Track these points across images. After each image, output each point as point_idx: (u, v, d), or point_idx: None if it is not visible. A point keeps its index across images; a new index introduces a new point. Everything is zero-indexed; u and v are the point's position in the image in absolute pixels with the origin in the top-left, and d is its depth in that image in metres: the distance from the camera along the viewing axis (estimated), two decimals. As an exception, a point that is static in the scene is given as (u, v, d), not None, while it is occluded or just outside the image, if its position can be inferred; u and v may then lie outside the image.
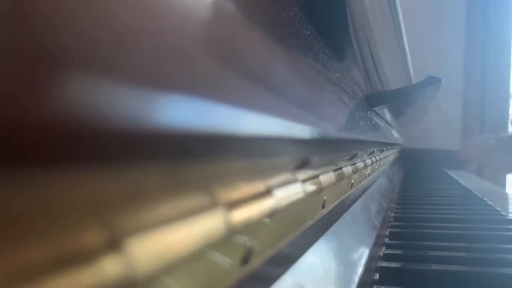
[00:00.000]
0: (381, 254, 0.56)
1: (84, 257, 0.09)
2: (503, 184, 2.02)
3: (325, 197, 0.34)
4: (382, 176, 0.98)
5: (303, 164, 0.25)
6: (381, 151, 0.76)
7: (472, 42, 2.21)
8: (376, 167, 0.75)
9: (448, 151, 2.15)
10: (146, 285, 0.11)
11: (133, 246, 0.10)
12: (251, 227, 0.17)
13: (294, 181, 0.24)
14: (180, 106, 0.11)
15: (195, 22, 0.14)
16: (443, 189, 1.29)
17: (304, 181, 0.25)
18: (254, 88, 0.17)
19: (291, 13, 0.31)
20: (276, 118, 0.18)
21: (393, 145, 1.02)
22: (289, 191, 0.23)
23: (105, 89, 0.08)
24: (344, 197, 0.44)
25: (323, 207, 0.34)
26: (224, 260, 0.17)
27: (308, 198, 0.26)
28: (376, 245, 0.54)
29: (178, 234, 0.12)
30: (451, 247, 0.58)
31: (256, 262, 0.20)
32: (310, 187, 0.27)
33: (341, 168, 0.38)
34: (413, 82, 0.88)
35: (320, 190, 0.29)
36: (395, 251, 0.57)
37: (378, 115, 0.74)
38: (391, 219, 0.79)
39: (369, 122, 0.53)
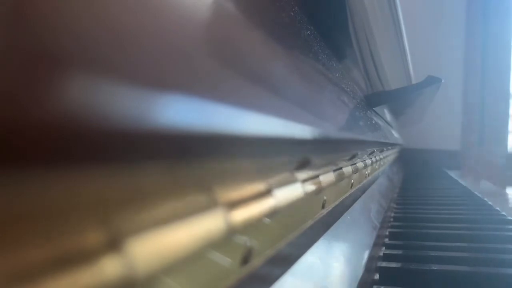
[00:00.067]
0: (381, 254, 0.56)
1: (84, 257, 0.09)
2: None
3: (325, 197, 0.34)
4: (382, 176, 0.98)
5: (303, 164, 0.25)
6: (381, 151, 0.76)
7: (472, 42, 2.21)
8: (376, 167, 0.75)
9: (448, 151, 2.15)
10: (146, 285, 0.11)
11: (133, 246, 0.10)
12: (251, 227, 0.17)
13: (294, 181, 0.24)
14: (180, 106, 0.11)
15: (195, 22, 0.14)
16: (443, 189, 1.29)
17: (304, 181, 0.25)
18: (254, 88, 0.17)
19: (291, 13, 0.31)
20: (276, 118, 0.18)
21: (393, 145, 1.02)
22: (289, 191, 0.23)
23: (105, 89, 0.08)
24: (344, 197, 0.44)
25: (323, 207, 0.34)
26: (224, 260, 0.17)
27: (308, 198, 0.26)
28: (376, 245, 0.54)
29: (178, 234, 0.12)
30: (451, 247, 0.58)
31: (256, 262, 0.20)
32: (310, 187, 0.27)
33: (341, 168, 0.38)
34: (413, 82, 0.88)
35: (320, 190, 0.29)
36: (395, 251, 0.57)
37: (378, 115, 0.74)
38: (391, 219, 0.79)
39: (369, 122, 0.53)
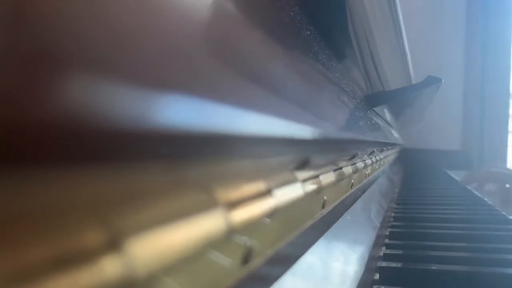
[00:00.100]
0: (381, 254, 0.56)
1: (84, 257, 0.09)
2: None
3: (325, 197, 0.34)
4: (382, 176, 0.98)
5: (303, 164, 0.25)
6: (381, 151, 0.76)
7: (472, 42, 2.21)
8: (376, 167, 0.75)
9: (448, 151, 2.15)
10: (146, 285, 0.11)
11: (133, 246, 0.10)
12: (251, 227, 0.17)
13: (294, 181, 0.24)
14: (180, 106, 0.11)
15: (195, 22, 0.14)
16: (443, 189, 1.29)
17: (304, 181, 0.25)
18: (254, 88, 0.17)
19: (291, 13, 0.31)
20: (276, 118, 0.18)
21: (393, 145, 1.02)
22: (289, 191, 0.23)
23: (105, 89, 0.08)
24: (344, 197, 0.44)
25: (323, 207, 0.34)
26: (224, 260, 0.17)
27: (308, 198, 0.26)
28: (376, 245, 0.54)
29: (178, 234, 0.12)
30: (451, 247, 0.58)
31: (256, 262, 0.20)
32: (310, 187, 0.27)
33: (341, 168, 0.38)
34: (413, 82, 0.88)
35: (320, 190, 0.29)
36: (395, 251, 0.57)
37: (378, 115, 0.74)
38: (391, 219, 0.79)
39: (369, 122, 0.53)
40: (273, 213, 0.20)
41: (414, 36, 1.25)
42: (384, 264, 0.51)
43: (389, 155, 1.07)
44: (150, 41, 0.10)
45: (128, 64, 0.09)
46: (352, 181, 0.49)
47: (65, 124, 0.07)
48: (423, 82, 0.80)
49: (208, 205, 0.14)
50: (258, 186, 0.19)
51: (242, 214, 0.16)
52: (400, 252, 0.57)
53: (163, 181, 0.12)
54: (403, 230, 0.70)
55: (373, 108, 0.68)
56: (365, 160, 0.56)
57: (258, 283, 0.21)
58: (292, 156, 0.23)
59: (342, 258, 0.38)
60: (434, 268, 0.49)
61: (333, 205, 0.38)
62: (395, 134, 1.19)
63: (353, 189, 0.50)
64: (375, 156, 0.68)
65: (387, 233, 0.67)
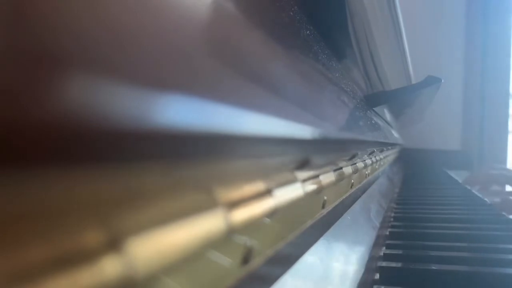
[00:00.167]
0: (382, 254, 0.55)
1: (84, 257, 0.09)
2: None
3: (325, 197, 0.34)
4: (382, 176, 0.98)
5: (303, 164, 0.25)
6: (381, 151, 0.76)
7: (472, 42, 2.21)
8: (376, 167, 0.75)
9: (448, 151, 2.15)
10: (146, 285, 0.11)
11: (133, 246, 0.10)
12: (251, 227, 0.17)
13: (294, 181, 0.24)
14: (180, 106, 0.11)
15: (195, 22, 0.14)
16: (443, 189, 1.29)
17: (304, 181, 0.25)
18: (254, 88, 0.17)
19: (291, 13, 0.31)
20: (276, 118, 0.18)
21: (393, 145, 1.02)
22: (289, 191, 0.23)
23: (105, 89, 0.08)
24: (344, 197, 0.44)
25: (323, 207, 0.34)
26: (224, 260, 0.17)
27: (308, 198, 0.26)
28: (376, 245, 0.54)
29: (178, 234, 0.12)
30: (451, 247, 0.58)
31: (256, 262, 0.20)
32: (310, 187, 0.27)
33: (341, 168, 0.38)
34: (413, 82, 0.88)
35: (320, 190, 0.29)
36: (395, 251, 0.57)
37: (378, 115, 0.74)
38: (391, 219, 0.79)
39: (369, 122, 0.53)
40: (273, 213, 0.20)
41: (414, 36, 1.25)
42: (384, 264, 0.51)
43: (389, 155, 1.07)
44: (150, 41, 0.10)
45: (128, 64, 0.09)
46: (352, 181, 0.49)
47: (65, 124, 0.07)
48: (423, 82, 0.80)
49: (208, 205, 0.14)
50: (258, 186, 0.19)
51: (242, 214, 0.16)
52: (400, 252, 0.57)
53: (163, 181, 0.12)
54: (403, 230, 0.70)
55: (373, 108, 0.68)
56: (365, 160, 0.56)
57: (258, 283, 0.21)
58: (292, 156, 0.23)
59: (342, 258, 0.38)
60: (434, 268, 0.49)
61: (333, 205, 0.38)
62: (395, 134, 1.19)
63: (353, 189, 0.50)
64: (375, 156, 0.68)
65: (387, 233, 0.67)
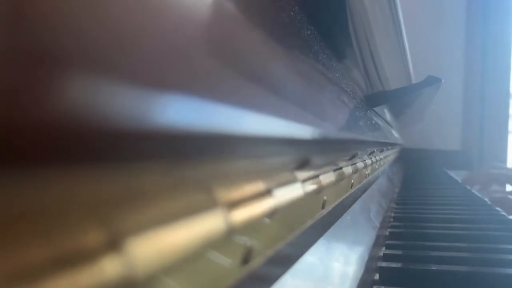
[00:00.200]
0: (381, 254, 0.55)
1: (84, 257, 0.09)
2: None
3: (325, 197, 0.34)
4: (382, 176, 0.98)
5: (303, 164, 0.25)
6: (381, 151, 0.76)
7: (472, 42, 2.21)
8: (376, 167, 0.75)
9: (448, 151, 2.15)
10: (146, 285, 0.11)
11: (133, 246, 0.10)
12: (251, 227, 0.17)
13: (294, 181, 0.24)
14: (180, 106, 0.11)
15: (195, 22, 0.14)
16: (443, 189, 1.29)
17: (304, 181, 0.25)
18: (254, 88, 0.17)
19: (291, 13, 0.31)
20: (276, 118, 0.18)
21: (393, 145, 1.02)
22: (289, 191, 0.23)
23: (105, 89, 0.08)
24: (344, 197, 0.44)
25: (323, 207, 0.34)
26: (224, 260, 0.17)
27: (308, 198, 0.26)
28: (376, 245, 0.54)
29: (178, 234, 0.12)
30: (451, 247, 0.58)
31: (256, 262, 0.20)
32: (310, 187, 0.27)
33: (341, 168, 0.38)
34: (413, 82, 0.88)
35: (320, 190, 0.29)
36: (395, 251, 0.57)
37: (378, 115, 0.74)
38: (391, 219, 0.79)
39: (369, 122, 0.53)
40: (273, 213, 0.20)
41: (414, 36, 1.25)
42: (384, 264, 0.51)
43: (389, 155, 1.07)
44: (150, 41, 0.10)
45: (128, 64, 0.09)
46: (352, 181, 0.49)
47: (65, 124, 0.07)
48: (423, 82, 0.80)
49: (208, 205, 0.14)
50: (258, 186, 0.19)
51: (242, 214, 0.16)
52: (400, 252, 0.57)
53: (163, 181, 0.12)
54: (403, 230, 0.70)
55: (373, 108, 0.68)
56: (365, 160, 0.56)
57: (258, 283, 0.21)
58: (292, 156, 0.23)
59: (342, 258, 0.38)
60: (434, 268, 0.49)
61: (333, 205, 0.38)
62: (395, 134, 1.19)
63: (353, 189, 0.50)
64: (375, 156, 0.68)
65: (387, 233, 0.67)
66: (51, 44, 0.07)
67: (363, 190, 0.64)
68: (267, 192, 0.19)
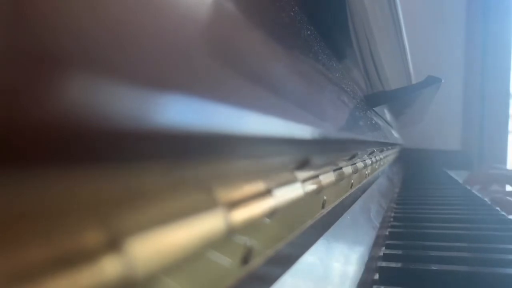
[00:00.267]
0: (381, 254, 0.55)
1: (84, 257, 0.09)
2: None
3: (325, 197, 0.34)
4: (382, 176, 0.98)
5: (303, 164, 0.25)
6: (381, 151, 0.76)
7: (472, 42, 2.21)
8: (376, 167, 0.75)
9: (448, 151, 2.15)
10: (146, 285, 0.11)
11: (133, 246, 0.10)
12: (251, 227, 0.17)
13: (294, 181, 0.24)
14: (180, 106, 0.11)
15: (195, 22, 0.14)
16: (443, 189, 1.29)
17: (304, 181, 0.25)
18: (254, 88, 0.17)
19: (291, 13, 0.31)
20: (276, 118, 0.18)
21: (393, 145, 1.02)
22: (289, 191, 0.23)
23: (105, 89, 0.08)
24: (344, 197, 0.44)
25: (323, 207, 0.34)
26: (224, 260, 0.17)
27: (308, 198, 0.26)
28: (376, 245, 0.54)
29: (178, 234, 0.12)
30: (451, 247, 0.58)
31: (256, 262, 0.20)
32: (310, 187, 0.27)
33: (341, 168, 0.38)
34: (413, 82, 0.88)
35: (320, 190, 0.29)
36: (395, 251, 0.57)
37: (378, 115, 0.74)
38: (391, 219, 0.79)
39: (369, 122, 0.53)
40: (273, 213, 0.20)
41: (414, 36, 1.25)
42: (384, 264, 0.51)
43: (389, 155, 1.07)
44: (150, 41, 0.10)
45: (128, 64, 0.09)
46: (352, 181, 0.49)
47: (65, 124, 0.07)
48: (423, 82, 0.80)
49: (208, 205, 0.14)
50: (258, 186, 0.19)
51: (242, 214, 0.16)
52: (400, 252, 0.57)
53: (163, 181, 0.12)
54: (403, 230, 0.70)
55: (373, 108, 0.68)
56: (365, 160, 0.56)
57: (258, 283, 0.21)
58: (292, 156, 0.23)
59: (342, 258, 0.38)
60: (434, 268, 0.49)
61: (333, 205, 0.38)
62: (395, 134, 1.19)
63: (353, 189, 0.50)
64: (375, 156, 0.68)
65: (387, 233, 0.67)
66: (51, 44, 0.07)
67: (363, 190, 0.64)
68: (267, 192, 0.19)
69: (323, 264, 0.32)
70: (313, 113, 0.25)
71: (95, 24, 0.08)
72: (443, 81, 0.83)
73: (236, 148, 0.15)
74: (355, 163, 0.47)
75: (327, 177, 0.32)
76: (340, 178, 0.37)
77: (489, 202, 0.97)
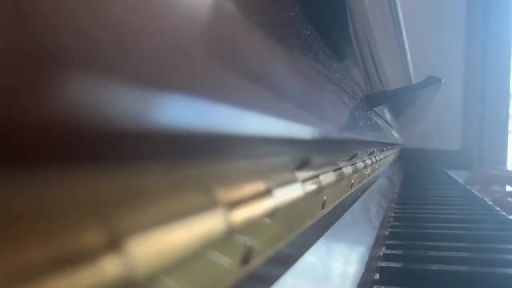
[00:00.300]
0: (381, 254, 0.55)
1: (84, 257, 0.09)
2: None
3: (325, 197, 0.34)
4: (382, 176, 0.98)
5: (303, 164, 0.25)
6: (381, 151, 0.76)
7: (472, 42, 2.21)
8: (376, 167, 0.75)
9: (448, 151, 2.15)
10: (146, 285, 0.11)
11: (133, 246, 0.10)
12: (251, 227, 0.17)
13: (294, 181, 0.24)
14: (181, 106, 0.11)
15: (195, 22, 0.14)
16: (443, 189, 1.29)
17: (304, 181, 0.25)
18: (254, 88, 0.17)
19: (291, 13, 0.31)
20: (276, 118, 0.18)
21: (393, 145, 1.02)
22: (289, 191, 0.23)
23: (105, 89, 0.08)
24: (344, 197, 0.44)
25: (323, 207, 0.34)
26: (224, 260, 0.17)
27: (308, 198, 0.26)
28: (376, 245, 0.54)
29: (178, 234, 0.12)
30: (451, 247, 0.58)
31: (256, 262, 0.20)
32: (310, 187, 0.27)
33: (341, 168, 0.38)
34: (413, 82, 0.88)
35: (320, 190, 0.29)
36: (395, 251, 0.57)
37: (378, 115, 0.74)
38: (391, 219, 0.79)
39: (369, 122, 0.53)
40: (273, 213, 0.20)
41: (414, 36, 1.25)
42: (384, 264, 0.51)
43: (389, 155, 1.07)
44: (150, 41, 0.10)
45: (128, 64, 0.09)
46: (352, 181, 0.49)
47: (65, 124, 0.07)
48: (423, 82, 0.80)
49: (208, 205, 0.14)
50: (258, 186, 0.19)
51: (242, 214, 0.16)
52: (400, 252, 0.57)
53: (163, 181, 0.12)
54: (403, 230, 0.70)
55: (373, 108, 0.68)
56: (365, 160, 0.56)
57: (258, 283, 0.21)
58: (292, 156, 0.23)
59: (342, 258, 0.38)
60: (434, 268, 0.49)
61: (333, 205, 0.38)
62: (395, 134, 1.19)
63: (353, 189, 0.50)
64: (375, 156, 0.68)
65: (387, 233, 0.67)
66: (51, 44, 0.07)
67: (363, 190, 0.64)
68: (267, 192, 0.19)
69: (323, 264, 0.32)
70: (313, 113, 0.25)
71: (95, 24, 0.08)
72: (443, 81, 0.83)
73: (236, 148, 0.15)
74: (355, 163, 0.47)
75: (327, 177, 0.32)
76: (340, 178, 0.37)
77: (489, 202, 0.97)
